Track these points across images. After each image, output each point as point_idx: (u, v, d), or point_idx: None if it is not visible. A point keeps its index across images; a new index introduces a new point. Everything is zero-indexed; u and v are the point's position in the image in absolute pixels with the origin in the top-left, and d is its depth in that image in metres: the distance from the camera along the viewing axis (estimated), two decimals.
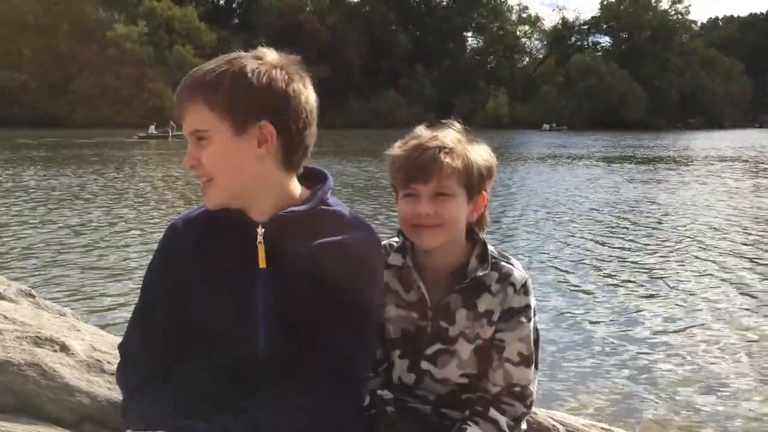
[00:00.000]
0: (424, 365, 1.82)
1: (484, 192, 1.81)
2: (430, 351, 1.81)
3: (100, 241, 10.19)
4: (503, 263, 1.81)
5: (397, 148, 1.78)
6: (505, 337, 1.77)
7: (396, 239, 1.89)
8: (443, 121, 1.84)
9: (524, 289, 1.78)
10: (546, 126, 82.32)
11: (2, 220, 12.07)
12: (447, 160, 1.71)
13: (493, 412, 1.75)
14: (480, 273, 1.77)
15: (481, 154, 1.79)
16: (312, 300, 1.60)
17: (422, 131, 1.79)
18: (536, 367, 1.83)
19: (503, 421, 1.75)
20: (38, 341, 2.52)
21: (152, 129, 48.91)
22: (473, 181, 1.75)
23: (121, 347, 1.76)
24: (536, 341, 1.83)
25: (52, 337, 2.55)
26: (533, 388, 1.80)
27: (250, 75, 1.51)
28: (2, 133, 45.51)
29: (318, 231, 1.61)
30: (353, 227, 1.66)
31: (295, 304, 1.60)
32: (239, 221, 1.62)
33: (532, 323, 1.79)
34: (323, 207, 1.64)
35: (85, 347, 2.55)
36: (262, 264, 1.59)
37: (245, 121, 1.52)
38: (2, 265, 8.36)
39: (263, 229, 1.59)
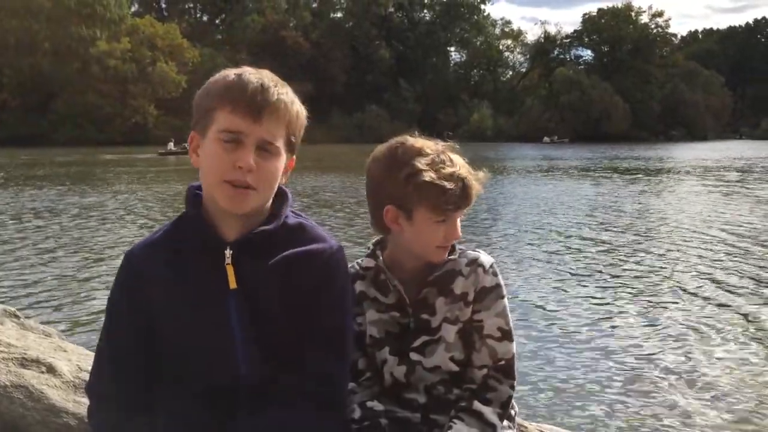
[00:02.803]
0: (414, 356, 1.87)
1: None
2: (416, 344, 1.87)
3: (87, 262, 10.11)
4: (469, 251, 1.92)
5: (431, 172, 1.75)
6: (482, 316, 1.85)
7: (359, 261, 1.95)
8: (420, 134, 1.89)
9: (493, 270, 1.88)
10: (547, 139, 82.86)
11: None
12: (479, 187, 1.83)
13: (476, 405, 1.79)
14: (449, 258, 1.87)
15: None
16: (285, 317, 1.61)
17: (424, 146, 1.81)
18: None
19: (488, 411, 1.78)
20: (24, 362, 2.50)
21: (171, 146, 48.12)
22: None
23: (90, 389, 1.72)
24: None
25: (38, 358, 2.54)
26: (516, 366, 1.88)
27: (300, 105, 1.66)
28: None
29: (284, 246, 1.64)
30: (317, 239, 1.69)
31: (270, 323, 1.61)
32: (207, 242, 1.62)
33: (506, 300, 1.88)
34: (286, 222, 1.68)
35: (72, 368, 2.53)
36: (233, 285, 1.60)
37: (294, 146, 1.67)
38: None
39: (231, 251, 1.60)
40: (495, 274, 1.88)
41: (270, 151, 1.58)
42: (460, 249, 1.91)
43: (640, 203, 18.39)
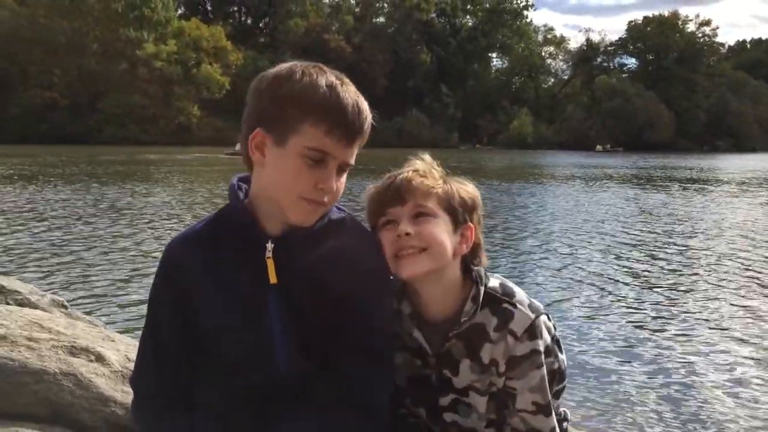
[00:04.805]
0: (448, 417, 1.76)
1: (470, 223, 1.73)
2: (446, 402, 1.75)
3: (134, 255, 10.24)
4: (505, 305, 1.68)
5: (372, 187, 1.77)
6: (516, 385, 1.67)
7: None
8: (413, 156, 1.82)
9: (528, 334, 1.65)
10: (599, 147, 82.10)
11: (37, 233, 12.22)
12: (420, 179, 1.68)
13: None
14: (475, 318, 1.68)
15: (461, 184, 1.75)
16: (323, 316, 1.58)
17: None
18: (557, 397, 1.79)
19: None
20: (74, 351, 2.52)
21: (238, 146, 49.19)
22: (455, 206, 1.69)
23: (134, 381, 1.72)
24: (560, 377, 1.77)
25: (87, 347, 2.56)
26: None
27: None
28: (32, 149, 46.17)
29: (325, 242, 1.61)
30: (359, 236, 1.67)
31: (308, 320, 1.58)
32: (248, 235, 1.59)
33: (543, 369, 1.66)
34: (330, 218, 1.65)
35: (120, 358, 2.55)
36: (273, 279, 1.57)
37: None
38: (35, 275, 8.44)
39: (272, 245, 1.57)
40: (532, 337, 1.65)
41: (346, 171, 1.59)
42: (495, 295, 1.70)
43: (717, 214, 17.90)
